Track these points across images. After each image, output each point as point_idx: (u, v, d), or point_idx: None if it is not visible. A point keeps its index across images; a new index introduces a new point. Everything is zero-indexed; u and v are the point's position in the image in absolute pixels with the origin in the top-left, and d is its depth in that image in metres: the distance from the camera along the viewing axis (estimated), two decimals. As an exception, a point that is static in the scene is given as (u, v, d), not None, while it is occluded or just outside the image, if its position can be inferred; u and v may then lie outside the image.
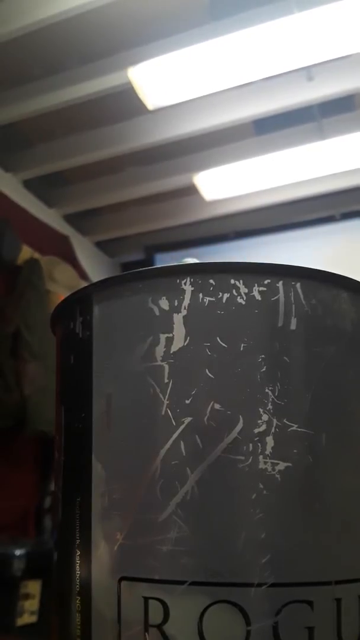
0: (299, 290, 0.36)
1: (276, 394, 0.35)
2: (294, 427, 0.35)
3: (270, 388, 0.35)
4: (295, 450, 0.34)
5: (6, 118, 2.15)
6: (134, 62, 1.85)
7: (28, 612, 1.82)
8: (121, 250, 3.30)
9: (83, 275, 2.77)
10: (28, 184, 2.61)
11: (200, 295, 0.36)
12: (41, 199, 2.72)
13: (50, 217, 2.78)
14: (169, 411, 0.35)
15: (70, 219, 2.92)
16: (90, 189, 2.72)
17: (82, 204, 2.82)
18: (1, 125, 2.18)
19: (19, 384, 2.14)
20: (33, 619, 1.82)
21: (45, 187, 2.69)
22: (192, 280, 0.36)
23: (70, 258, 2.73)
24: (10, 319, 2.21)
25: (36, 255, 2.42)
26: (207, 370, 0.35)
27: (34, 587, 1.84)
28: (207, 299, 0.36)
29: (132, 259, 3.33)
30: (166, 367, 0.36)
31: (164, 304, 0.37)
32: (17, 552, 1.77)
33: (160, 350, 0.36)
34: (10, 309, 2.24)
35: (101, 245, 3.22)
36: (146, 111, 2.07)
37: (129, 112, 2.19)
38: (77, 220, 2.96)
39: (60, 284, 2.47)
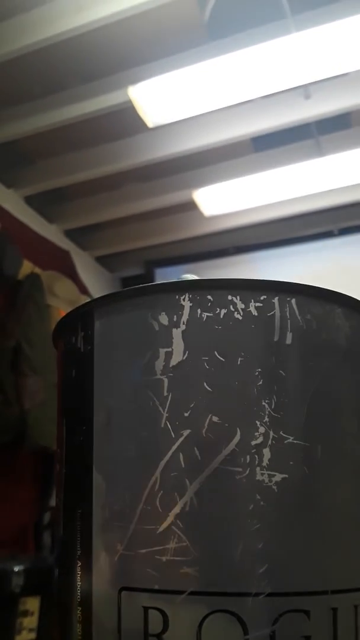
0: (294, 306, 0.37)
1: (272, 406, 0.36)
2: (290, 439, 0.35)
3: (266, 401, 0.36)
4: (291, 462, 0.35)
5: (8, 135, 2.17)
6: (134, 81, 1.87)
7: (27, 629, 1.80)
8: (121, 265, 3.32)
9: (83, 290, 2.78)
10: (29, 200, 2.63)
11: (199, 310, 0.37)
12: (42, 214, 2.74)
13: (51, 232, 2.80)
14: (168, 424, 0.36)
15: (70, 234, 2.94)
16: (90, 204, 2.74)
17: (83, 220, 2.84)
18: (3, 142, 2.20)
19: (19, 399, 2.14)
20: (32, 636, 1.80)
21: (46, 203, 2.71)
22: (190, 296, 0.38)
23: (70, 273, 2.75)
24: (11, 334, 2.22)
25: (37, 270, 2.43)
26: (205, 384, 0.36)
27: (33, 603, 1.82)
28: (205, 314, 0.37)
29: (132, 273, 3.35)
30: (165, 380, 0.37)
31: (164, 319, 0.38)
32: (16, 568, 1.76)
33: (159, 364, 0.37)
34: (11, 324, 2.25)
35: (101, 260, 3.23)
36: (146, 129, 2.09)
37: (129, 130, 2.21)
38: (77, 235, 2.97)
39: (61, 299, 2.48)
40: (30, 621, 1.82)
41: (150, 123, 2.00)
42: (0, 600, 1.77)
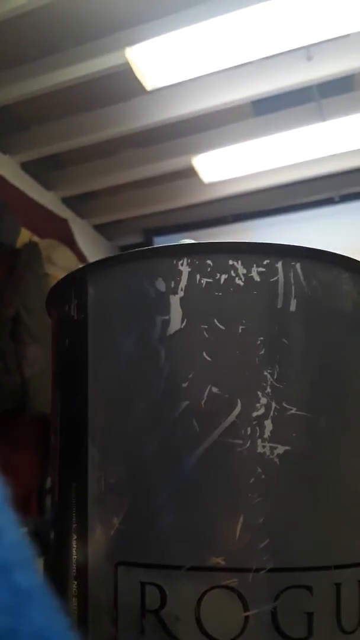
0: (299, 271, 0.35)
1: (275, 376, 0.34)
2: (293, 410, 0.34)
3: (269, 371, 0.34)
4: (294, 434, 0.34)
5: (2, 100, 2.11)
6: (131, 42, 1.81)
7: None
8: (120, 233, 3.28)
9: (82, 258, 2.75)
10: (26, 167, 2.58)
11: (198, 276, 0.35)
12: (39, 181, 2.69)
13: (49, 200, 2.75)
14: (165, 395, 0.34)
15: (68, 201, 2.89)
16: (88, 171, 2.68)
17: (81, 187, 2.79)
18: (-3, 106, 2.15)
19: (20, 367, 2.14)
20: (34, 600, 1.83)
21: (43, 170, 2.66)
22: (189, 261, 0.36)
23: (69, 241, 2.71)
24: (10, 303, 2.20)
25: (35, 238, 2.40)
26: (204, 353, 0.34)
27: (35, 568, 1.85)
28: (204, 280, 0.35)
29: (131, 242, 3.31)
30: (162, 350, 0.35)
31: (161, 285, 0.36)
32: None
33: (156, 333, 0.35)
34: (10, 293, 2.23)
35: (100, 228, 3.19)
36: (144, 92, 2.03)
37: (126, 93, 2.15)
38: (75, 203, 2.93)
39: (59, 267, 2.45)
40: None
41: (148, 86, 1.95)
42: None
